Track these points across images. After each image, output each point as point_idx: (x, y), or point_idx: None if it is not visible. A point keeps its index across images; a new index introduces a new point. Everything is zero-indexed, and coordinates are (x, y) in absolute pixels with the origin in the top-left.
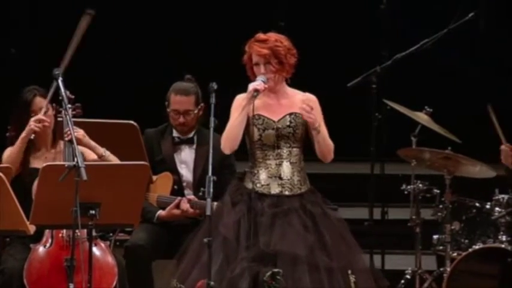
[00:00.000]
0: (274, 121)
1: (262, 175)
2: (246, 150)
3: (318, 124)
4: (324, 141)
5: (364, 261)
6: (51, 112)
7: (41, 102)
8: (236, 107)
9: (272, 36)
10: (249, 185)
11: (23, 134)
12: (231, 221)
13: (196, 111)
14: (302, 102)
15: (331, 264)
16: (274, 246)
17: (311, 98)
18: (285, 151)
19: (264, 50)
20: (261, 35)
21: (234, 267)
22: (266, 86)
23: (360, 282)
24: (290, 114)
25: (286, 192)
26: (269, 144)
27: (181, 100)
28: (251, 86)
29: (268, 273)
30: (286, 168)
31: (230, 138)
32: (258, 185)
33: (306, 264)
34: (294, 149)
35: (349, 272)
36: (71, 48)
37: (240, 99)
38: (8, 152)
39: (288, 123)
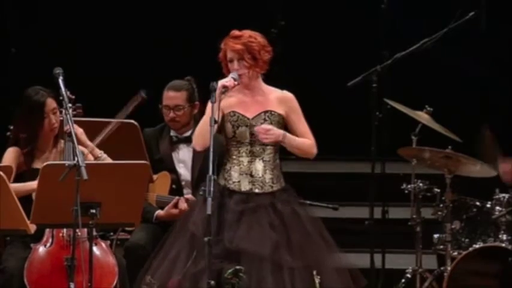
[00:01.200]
0: (248, 118)
1: (234, 172)
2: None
3: (281, 137)
4: (294, 147)
5: (335, 261)
6: (58, 114)
7: (52, 103)
8: (209, 108)
9: (246, 32)
10: (222, 182)
11: (35, 187)
12: (199, 218)
13: (187, 108)
14: (278, 100)
15: (294, 264)
16: (237, 244)
17: (288, 97)
18: (258, 149)
19: (237, 45)
20: (235, 32)
21: (197, 262)
22: (236, 82)
23: (328, 282)
24: (265, 112)
25: (256, 190)
26: (243, 142)
27: (171, 95)
28: (220, 83)
29: (230, 270)
30: (258, 166)
31: (201, 134)
32: (229, 181)
33: (269, 263)
34: (268, 147)
35: (314, 272)
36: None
37: None
38: (14, 184)
39: (262, 121)
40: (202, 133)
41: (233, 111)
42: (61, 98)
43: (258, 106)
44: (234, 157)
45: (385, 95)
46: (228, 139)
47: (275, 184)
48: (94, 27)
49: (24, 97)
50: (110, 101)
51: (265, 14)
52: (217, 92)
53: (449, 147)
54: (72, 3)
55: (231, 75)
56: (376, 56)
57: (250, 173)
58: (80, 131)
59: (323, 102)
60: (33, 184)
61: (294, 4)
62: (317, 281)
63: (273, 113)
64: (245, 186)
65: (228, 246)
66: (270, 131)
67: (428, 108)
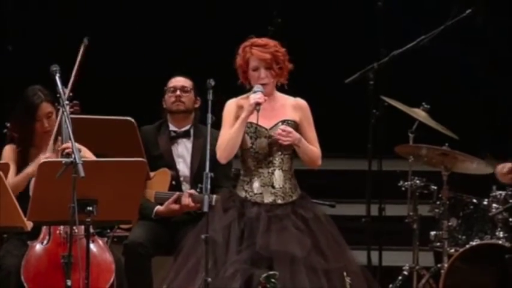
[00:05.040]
0: (266, 129)
1: (255, 184)
2: None
3: (297, 141)
4: (306, 154)
5: (356, 263)
6: (54, 116)
7: (47, 107)
8: (229, 114)
9: (269, 41)
10: (242, 194)
11: (30, 170)
12: (220, 226)
13: (192, 94)
14: (293, 108)
15: (328, 266)
16: (273, 248)
17: (303, 104)
18: (277, 159)
19: (266, 54)
20: (258, 40)
21: (225, 268)
22: (266, 98)
23: (356, 283)
24: (283, 121)
25: (279, 201)
26: (261, 152)
27: (178, 79)
28: (252, 100)
29: (264, 275)
30: (278, 177)
31: (228, 149)
32: (250, 193)
33: (304, 266)
34: (286, 156)
35: (345, 274)
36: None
37: (232, 105)
38: (12, 178)
39: (279, 131)
40: (229, 148)
41: (250, 122)
42: (58, 95)
43: (274, 116)
44: (253, 168)
45: (382, 93)
46: (245, 150)
47: (294, 193)
48: (92, 24)
49: (22, 96)
50: (108, 99)
51: (262, 12)
52: (250, 108)
53: (446, 144)
54: (71, 1)
55: (257, 89)
56: (373, 53)
57: (272, 184)
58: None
59: (320, 100)
60: (28, 168)
61: (291, 1)
62: (348, 281)
63: (289, 121)
64: (268, 198)
65: (262, 252)
66: (291, 133)
67: (425, 106)
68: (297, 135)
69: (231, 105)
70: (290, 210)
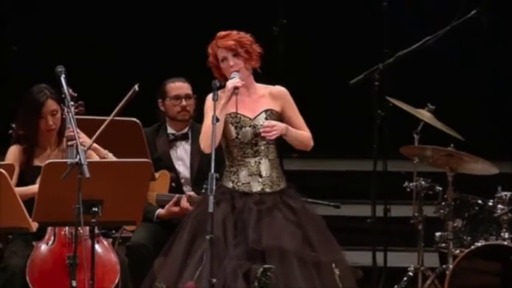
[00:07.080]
0: (250, 118)
1: (242, 174)
2: None
3: (284, 131)
4: (296, 139)
5: (344, 257)
6: (59, 115)
7: (52, 105)
8: (210, 107)
9: (232, 31)
10: (229, 184)
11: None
12: (218, 220)
13: (193, 100)
14: (272, 97)
15: (318, 259)
16: (264, 243)
17: (281, 91)
18: (262, 148)
19: (229, 41)
20: (221, 33)
21: (224, 266)
22: (243, 82)
23: (344, 276)
24: (266, 111)
25: (267, 190)
26: (246, 142)
27: (180, 85)
28: (230, 84)
29: (260, 270)
30: (264, 166)
31: (209, 136)
32: (238, 184)
33: (295, 259)
34: (271, 146)
35: (333, 265)
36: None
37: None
38: (15, 179)
39: (263, 120)
40: (210, 136)
41: (234, 113)
42: (63, 95)
43: (256, 105)
44: (240, 158)
45: (387, 93)
46: (230, 141)
47: (281, 182)
48: (93, 24)
49: (26, 94)
50: (110, 99)
51: (267, 13)
52: (228, 93)
53: (452, 145)
54: (72, 1)
55: (234, 75)
56: (378, 54)
57: (259, 173)
58: (81, 135)
59: (325, 101)
60: (35, 188)
61: (296, 2)
62: (337, 273)
63: (272, 111)
64: (256, 187)
65: (255, 247)
66: (275, 127)
67: (430, 106)
68: (282, 125)
69: (211, 99)
70: (279, 199)
